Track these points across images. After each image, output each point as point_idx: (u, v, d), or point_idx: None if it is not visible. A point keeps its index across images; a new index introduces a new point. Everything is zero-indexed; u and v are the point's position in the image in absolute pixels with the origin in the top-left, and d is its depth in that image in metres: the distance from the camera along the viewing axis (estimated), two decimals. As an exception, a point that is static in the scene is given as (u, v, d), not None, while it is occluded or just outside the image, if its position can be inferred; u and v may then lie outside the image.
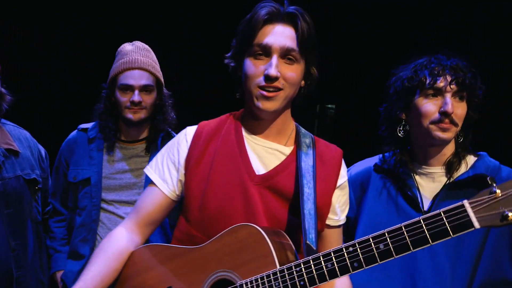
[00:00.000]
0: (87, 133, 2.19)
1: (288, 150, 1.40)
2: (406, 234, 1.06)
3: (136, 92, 2.06)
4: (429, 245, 1.04)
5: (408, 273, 1.50)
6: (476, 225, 1.01)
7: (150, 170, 1.45)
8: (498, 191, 1.00)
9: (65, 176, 2.17)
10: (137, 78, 2.05)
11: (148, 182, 1.52)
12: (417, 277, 1.48)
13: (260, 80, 1.27)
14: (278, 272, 1.14)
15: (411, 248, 1.05)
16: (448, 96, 1.50)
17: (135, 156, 2.16)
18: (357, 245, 1.10)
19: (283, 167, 1.36)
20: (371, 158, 1.75)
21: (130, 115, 2.07)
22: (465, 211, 1.02)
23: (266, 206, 1.31)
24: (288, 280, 1.13)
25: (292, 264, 1.14)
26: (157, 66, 2.18)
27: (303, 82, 1.37)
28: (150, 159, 2.15)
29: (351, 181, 1.71)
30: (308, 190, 1.30)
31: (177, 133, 2.27)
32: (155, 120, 2.18)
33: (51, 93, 3.62)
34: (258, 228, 1.19)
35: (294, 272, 1.13)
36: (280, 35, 1.28)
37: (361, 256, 1.09)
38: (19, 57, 3.45)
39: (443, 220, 1.04)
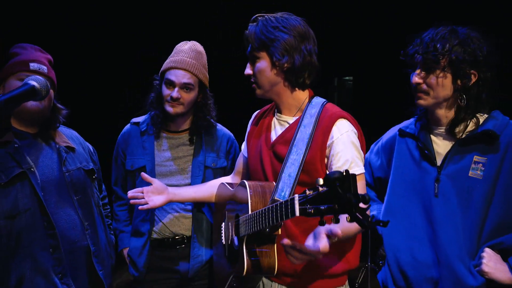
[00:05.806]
0: (139, 126, 2.44)
1: (292, 120, 1.79)
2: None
3: (176, 88, 2.25)
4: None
5: (428, 220, 1.70)
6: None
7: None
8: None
9: (123, 165, 2.44)
10: (179, 76, 2.25)
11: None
12: (435, 223, 1.68)
13: None
14: (248, 217, 1.65)
15: None
16: (419, 68, 1.68)
17: (181, 145, 2.40)
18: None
19: (281, 136, 1.78)
20: (399, 125, 1.95)
21: (169, 108, 2.28)
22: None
23: (271, 165, 1.78)
24: (253, 222, 1.61)
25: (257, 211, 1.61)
26: (203, 69, 2.32)
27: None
28: (195, 149, 2.39)
29: (384, 146, 1.95)
30: (295, 156, 1.66)
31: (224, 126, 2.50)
32: (196, 116, 2.39)
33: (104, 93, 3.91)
34: (248, 184, 1.72)
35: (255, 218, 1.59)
36: None
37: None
38: (73, 64, 3.73)
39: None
